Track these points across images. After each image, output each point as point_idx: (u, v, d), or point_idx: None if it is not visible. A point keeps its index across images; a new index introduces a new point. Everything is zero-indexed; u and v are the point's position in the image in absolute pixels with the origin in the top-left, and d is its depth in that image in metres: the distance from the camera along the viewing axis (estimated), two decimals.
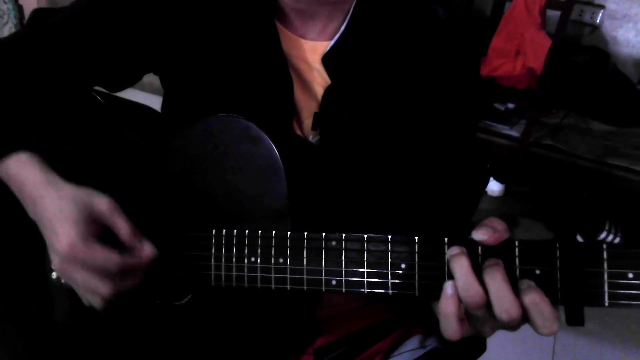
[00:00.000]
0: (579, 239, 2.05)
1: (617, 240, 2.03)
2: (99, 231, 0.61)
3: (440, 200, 0.76)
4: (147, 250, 0.62)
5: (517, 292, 0.50)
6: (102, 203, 0.61)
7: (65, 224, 0.59)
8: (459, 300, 0.51)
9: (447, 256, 0.52)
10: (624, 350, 1.75)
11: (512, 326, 0.51)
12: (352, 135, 0.70)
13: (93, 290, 0.60)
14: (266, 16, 0.69)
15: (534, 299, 0.49)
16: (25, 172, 0.63)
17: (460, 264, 0.51)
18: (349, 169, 0.70)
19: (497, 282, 0.49)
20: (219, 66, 0.71)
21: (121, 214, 0.61)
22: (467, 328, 0.53)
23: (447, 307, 0.51)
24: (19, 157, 0.63)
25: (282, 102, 0.69)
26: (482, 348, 0.72)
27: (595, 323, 1.74)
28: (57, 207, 0.60)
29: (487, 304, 0.50)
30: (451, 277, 0.52)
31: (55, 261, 0.60)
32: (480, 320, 0.52)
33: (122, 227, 0.61)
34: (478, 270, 0.51)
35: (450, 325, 0.51)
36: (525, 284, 0.50)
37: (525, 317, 0.50)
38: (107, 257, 0.59)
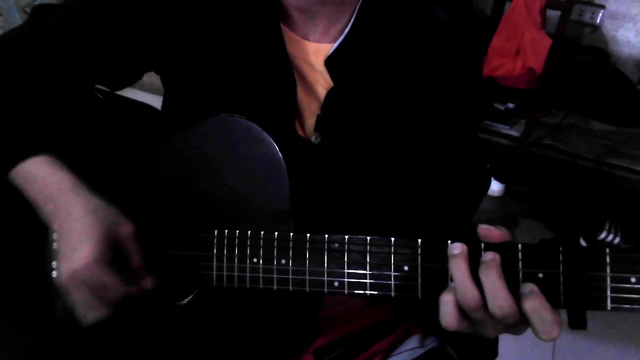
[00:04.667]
0: (582, 240, 2.05)
1: (617, 240, 2.03)
2: (111, 255, 0.61)
3: (442, 201, 0.76)
4: (148, 281, 0.64)
5: (518, 295, 0.50)
6: (126, 228, 0.62)
7: (89, 241, 0.59)
8: None
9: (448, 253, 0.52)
10: (625, 350, 1.75)
11: (509, 325, 0.51)
12: (353, 138, 0.70)
13: (88, 310, 0.61)
14: (270, 17, 0.69)
15: (534, 304, 0.49)
16: (48, 175, 0.63)
17: (458, 265, 0.51)
18: (350, 170, 0.70)
19: (491, 279, 0.50)
20: (222, 66, 0.70)
21: (137, 242, 0.63)
22: (466, 325, 0.53)
23: (446, 295, 0.52)
24: (38, 160, 0.63)
25: (284, 103, 0.69)
26: (494, 354, 0.72)
27: (596, 323, 1.74)
28: (84, 220, 0.60)
29: (485, 306, 0.50)
30: None
31: (63, 273, 0.60)
32: (479, 321, 0.52)
33: (137, 256, 0.63)
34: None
35: (447, 312, 0.52)
36: (527, 288, 0.50)
37: (524, 321, 0.50)
38: (115, 285, 0.60)
